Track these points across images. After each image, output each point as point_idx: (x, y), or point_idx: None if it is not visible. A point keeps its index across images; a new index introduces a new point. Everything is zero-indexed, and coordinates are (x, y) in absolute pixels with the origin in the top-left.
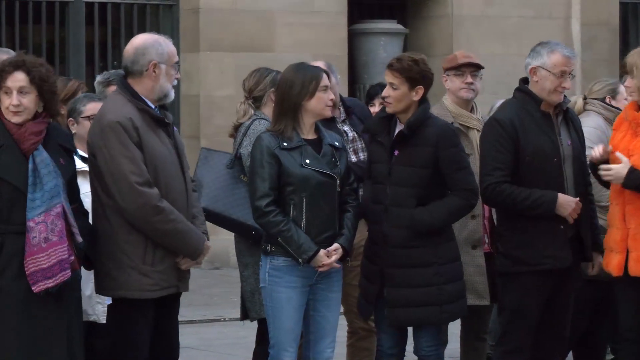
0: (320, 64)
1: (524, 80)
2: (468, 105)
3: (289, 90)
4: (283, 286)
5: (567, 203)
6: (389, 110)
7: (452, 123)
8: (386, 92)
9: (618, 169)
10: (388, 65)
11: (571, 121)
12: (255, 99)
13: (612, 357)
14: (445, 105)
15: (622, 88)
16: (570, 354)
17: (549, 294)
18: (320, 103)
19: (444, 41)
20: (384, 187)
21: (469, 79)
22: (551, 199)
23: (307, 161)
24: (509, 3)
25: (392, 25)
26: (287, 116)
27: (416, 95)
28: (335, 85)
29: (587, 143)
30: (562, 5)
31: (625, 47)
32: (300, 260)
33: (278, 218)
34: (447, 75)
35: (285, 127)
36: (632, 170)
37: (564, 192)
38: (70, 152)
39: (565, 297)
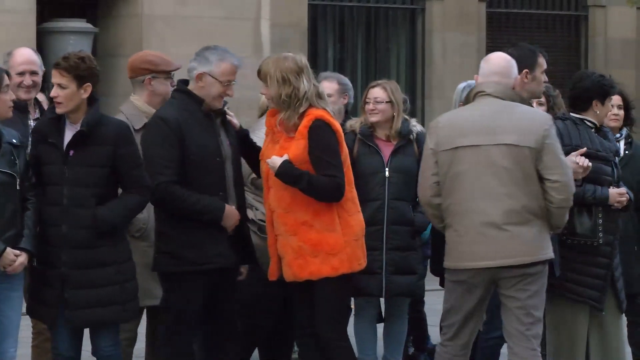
0: None
1: (183, 82)
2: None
3: None
4: None
5: (232, 215)
6: (60, 110)
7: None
8: (54, 92)
9: (275, 159)
10: (54, 64)
11: (228, 124)
12: None
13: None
14: (137, 105)
15: None
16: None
17: (213, 293)
18: (4, 105)
19: (133, 41)
20: (61, 188)
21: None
22: (219, 209)
23: None
24: (202, 3)
25: (81, 24)
26: None
27: (85, 93)
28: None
29: None
30: (252, 6)
31: (314, 48)
32: None
33: None
34: (155, 77)
35: None
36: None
37: (225, 191)
38: None
39: (230, 297)
